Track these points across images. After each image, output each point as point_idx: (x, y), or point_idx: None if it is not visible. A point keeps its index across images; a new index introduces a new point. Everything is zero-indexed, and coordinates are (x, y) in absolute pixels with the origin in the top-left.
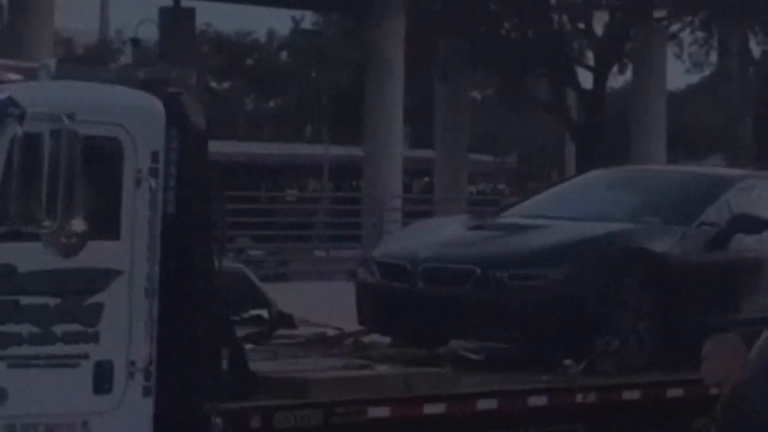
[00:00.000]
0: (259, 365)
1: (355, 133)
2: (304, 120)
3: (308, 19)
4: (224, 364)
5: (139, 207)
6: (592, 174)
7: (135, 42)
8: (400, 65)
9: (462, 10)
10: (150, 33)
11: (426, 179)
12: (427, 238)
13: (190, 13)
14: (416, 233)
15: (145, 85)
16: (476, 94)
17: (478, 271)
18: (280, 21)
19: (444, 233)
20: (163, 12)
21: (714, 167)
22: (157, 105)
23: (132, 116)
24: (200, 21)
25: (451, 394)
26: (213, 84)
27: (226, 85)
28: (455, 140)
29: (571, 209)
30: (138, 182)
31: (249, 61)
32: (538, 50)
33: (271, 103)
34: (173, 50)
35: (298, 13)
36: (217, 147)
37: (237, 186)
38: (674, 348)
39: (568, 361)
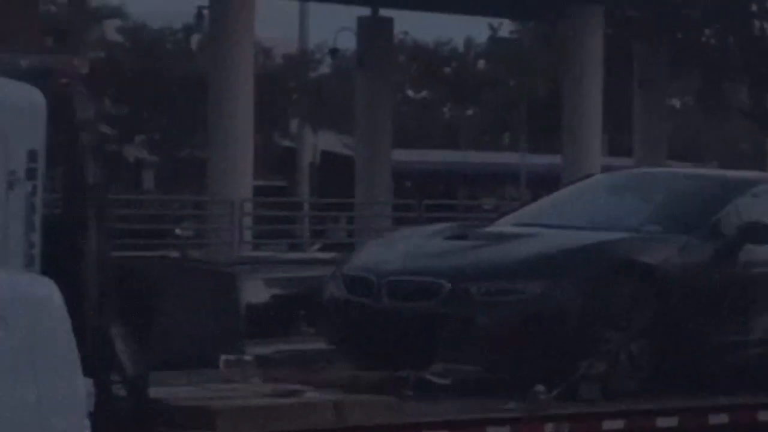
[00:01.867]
0: (164, 391)
1: (553, 141)
2: (502, 128)
3: (506, 27)
4: (118, 389)
5: (13, 212)
6: (596, 177)
7: (334, 51)
8: (599, 72)
9: (661, 17)
10: (349, 42)
11: None
12: (400, 248)
13: (389, 22)
14: (392, 242)
15: (29, 75)
16: (675, 102)
17: (448, 285)
18: (478, 29)
19: (420, 243)
20: (362, 21)
21: (730, 170)
22: (37, 98)
23: (4, 110)
24: (398, 30)
25: (385, 424)
26: (410, 93)
27: (423, 93)
28: (654, 148)
29: (567, 216)
30: (11, 185)
31: (446, 70)
32: (738, 57)
33: (469, 111)
34: (371, 59)
35: (495, 22)
36: (415, 156)
37: (434, 194)
38: (673, 372)
39: (539, 387)
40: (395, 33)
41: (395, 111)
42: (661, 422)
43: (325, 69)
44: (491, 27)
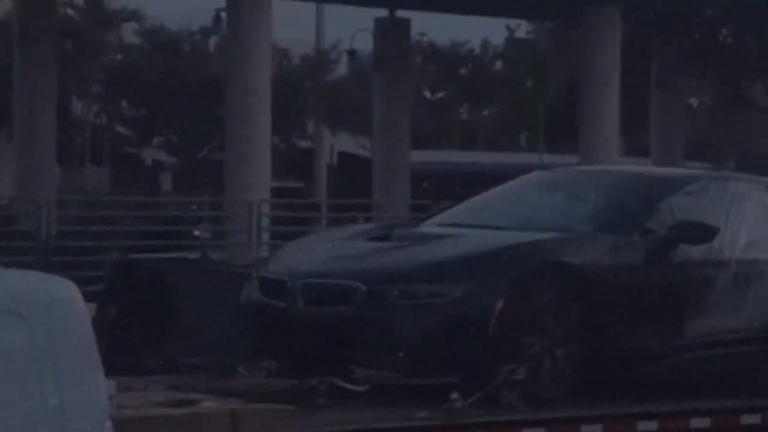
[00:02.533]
0: None
1: (571, 141)
2: (519, 128)
3: (523, 27)
4: None
5: None
6: (532, 176)
7: (351, 53)
8: (616, 72)
9: (678, 16)
10: (365, 43)
11: None
12: (319, 249)
13: (406, 23)
14: (313, 244)
15: None
16: (693, 101)
17: (363, 288)
18: (495, 30)
19: (340, 244)
20: (379, 22)
21: (670, 168)
22: None
23: None
24: (415, 31)
25: None
26: (427, 94)
27: (440, 94)
28: (671, 147)
29: (496, 216)
30: None
31: (463, 71)
32: (756, 55)
33: (486, 112)
34: (388, 60)
35: (512, 22)
36: (432, 156)
37: (452, 195)
38: (601, 378)
39: (454, 394)
40: (412, 34)
41: (412, 112)
42: (586, 430)
43: (342, 70)
44: (508, 28)
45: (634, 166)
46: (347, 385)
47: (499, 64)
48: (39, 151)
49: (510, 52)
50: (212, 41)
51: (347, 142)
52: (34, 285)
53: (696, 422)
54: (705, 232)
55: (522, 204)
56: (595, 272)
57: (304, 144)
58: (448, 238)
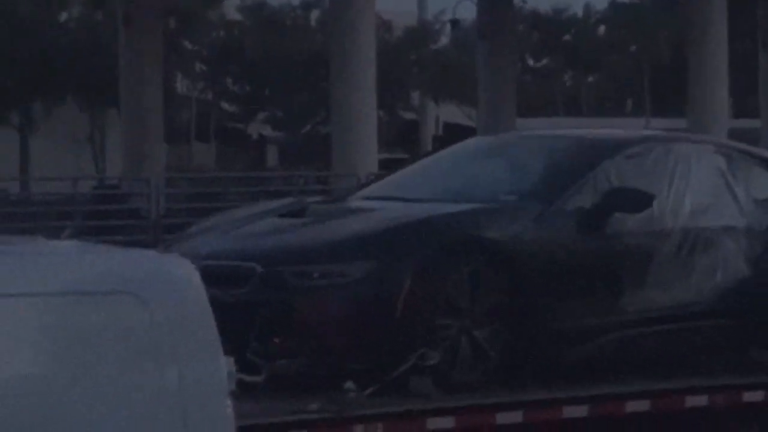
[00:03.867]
0: None
1: (678, 105)
2: (625, 94)
3: None
4: None
5: None
6: (468, 143)
7: (454, 23)
8: (724, 34)
9: None
10: (468, 13)
11: None
12: (227, 228)
13: None
14: (223, 221)
15: None
16: None
17: (260, 269)
18: None
19: (250, 222)
20: None
21: (612, 130)
22: None
23: None
24: None
25: None
26: (531, 62)
27: (544, 62)
28: None
29: (426, 187)
30: None
31: (566, 37)
32: None
33: (590, 78)
34: (491, 29)
35: None
36: (537, 124)
37: None
38: (528, 361)
39: (348, 384)
40: (514, 1)
41: (517, 80)
42: (503, 418)
43: (445, 40)
44: None
45: (575, 131)
46: (242, 376)
47: (602, 29)
48: (146, 129)
49: (614, 17)
50: (313, 15)
51: (452, 113)
52: (151, 264)
53: (633, 405)
54: (639, 200)
55: (453, 174)
56: (517, 246)
57: (408, 116)
58: (361, 213)
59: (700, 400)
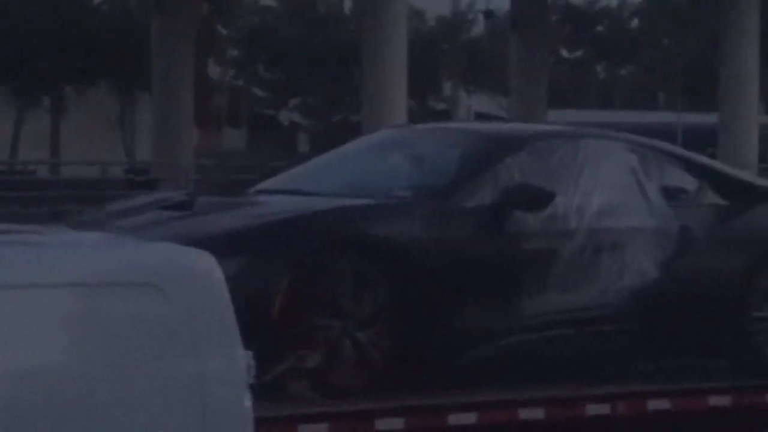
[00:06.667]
0: None
1: (711, 100)
2: (658, 87)
3: None
4: None
5: None
6: (374, 135)
7: (488, 14)
8: (756, 29)
9: None
10: (501, 3)
11: None
12: (106, 220)
13: None
14: (111, 212)
15: None
16: None
17: None
18: None
19: (133, 213)
20: None
21: (522, 123)
22: None
23: None
24: None
25: None
26: (564, 53)
27: (577, 53)
28: None
29: (324, 180)
30: None
31: (599, 29)
32: None
33: (623, 71)
34: (525, 20)
35: None
36: (570, 116)
37: None
38: (414, 365)
39: None
40: None
41: (550, 71)
42: (382, 425)
43: (478, 31)
44: None
45: (481, 124)
46: None
47: (636, 21)
48: (177, 114)
49: (648, 9)
50: (347, 3)
51: (484, 102)
52: (171, 257)
53: (526, 413)
54: (539, 198)
55: (355, 167)
56: (406, 244)
57: (440, 106)
58: (245, 207)
59: (601, 408)
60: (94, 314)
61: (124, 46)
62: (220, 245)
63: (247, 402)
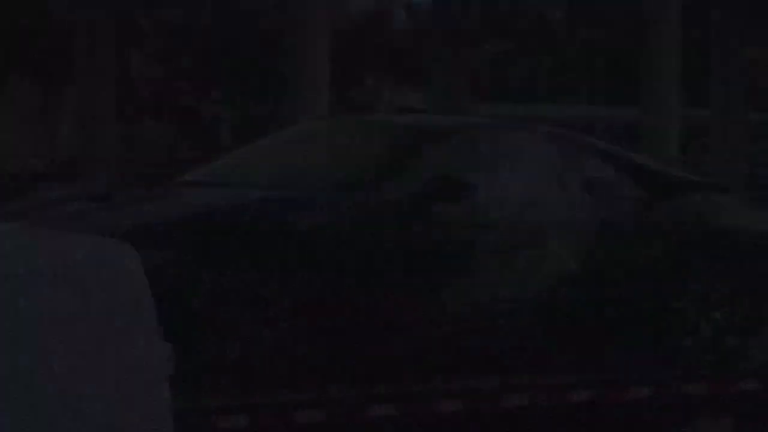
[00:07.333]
0: None
1: (632, 93)
2: (578, 81)
3: None
4: None
5: None
6: (298, 126)
7: (408, 7)
8: (677, 22)
9: None
10: None
11: None
12: (36, 210)
13: None
14: (39, 204)
15: None
16: (755, 52)
17: None
18: None
19: (60, 202)
20: None
21: (440, 116)
22: None
23: None
24: None
25: None
26: (486, 47)
27: (498, 47)
28: (732, 98)
29: (250, 172)
30: None
31: (521, 24)
32: None
33: (544, 65)
34: (446, 14)
35: None
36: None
37: None
38: (333, 357)
39: None
40: None
41: (470, 65)
42: (303, 417)
43: (400, 24)
44: None
45: (401, 116)
46: None
47: (557, 14)
48: (99, 107)
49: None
50: None
51: (407, 96)
52: (90, 247)
53: (446, 405)
54: (455, 189)
55: (276, 159)
56: (323, 237)
57: (361, 99)
58: (163, 199)
59: (520, 399)
60: (9, 306)
61: (46, 38)
62: (140, 237)
63: (167, 393)
